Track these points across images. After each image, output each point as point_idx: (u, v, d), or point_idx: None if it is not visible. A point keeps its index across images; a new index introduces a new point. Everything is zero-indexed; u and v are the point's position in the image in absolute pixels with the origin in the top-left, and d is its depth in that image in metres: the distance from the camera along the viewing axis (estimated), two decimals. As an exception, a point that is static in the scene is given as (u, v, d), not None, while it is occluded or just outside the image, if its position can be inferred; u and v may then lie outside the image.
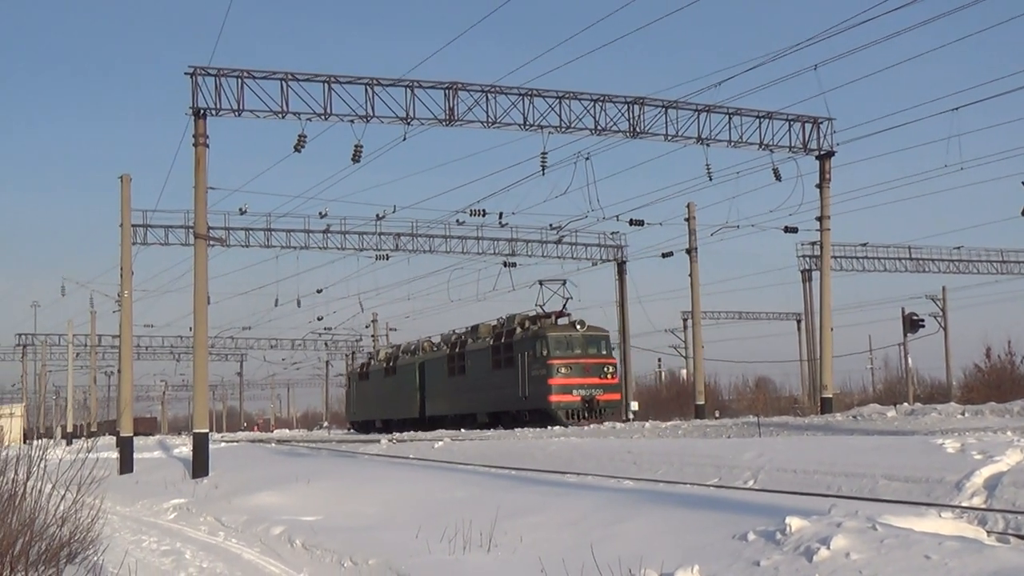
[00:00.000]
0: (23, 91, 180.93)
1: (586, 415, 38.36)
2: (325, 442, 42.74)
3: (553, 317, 42.28)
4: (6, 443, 19.26)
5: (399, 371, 53.84)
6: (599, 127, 32.83)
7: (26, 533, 7.63)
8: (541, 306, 43.49)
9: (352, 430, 61.08)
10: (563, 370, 38.78)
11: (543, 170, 33.03)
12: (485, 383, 43.46)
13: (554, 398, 38.45)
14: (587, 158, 34.26)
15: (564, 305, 42.97)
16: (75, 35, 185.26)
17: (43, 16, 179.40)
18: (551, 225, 48.26)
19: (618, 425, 33.12)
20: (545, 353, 39.18)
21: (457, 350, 47.19)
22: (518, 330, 42.42)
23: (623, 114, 33.16)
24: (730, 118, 34.16)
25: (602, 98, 32.95)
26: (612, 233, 51.67)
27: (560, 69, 72.68)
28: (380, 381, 56.56)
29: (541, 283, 44.30)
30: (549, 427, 34.42)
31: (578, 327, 40.48)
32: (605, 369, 39.97)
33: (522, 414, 39.99)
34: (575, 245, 51.47)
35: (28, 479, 8.06)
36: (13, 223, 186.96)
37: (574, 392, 38.56)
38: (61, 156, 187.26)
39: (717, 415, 45.87)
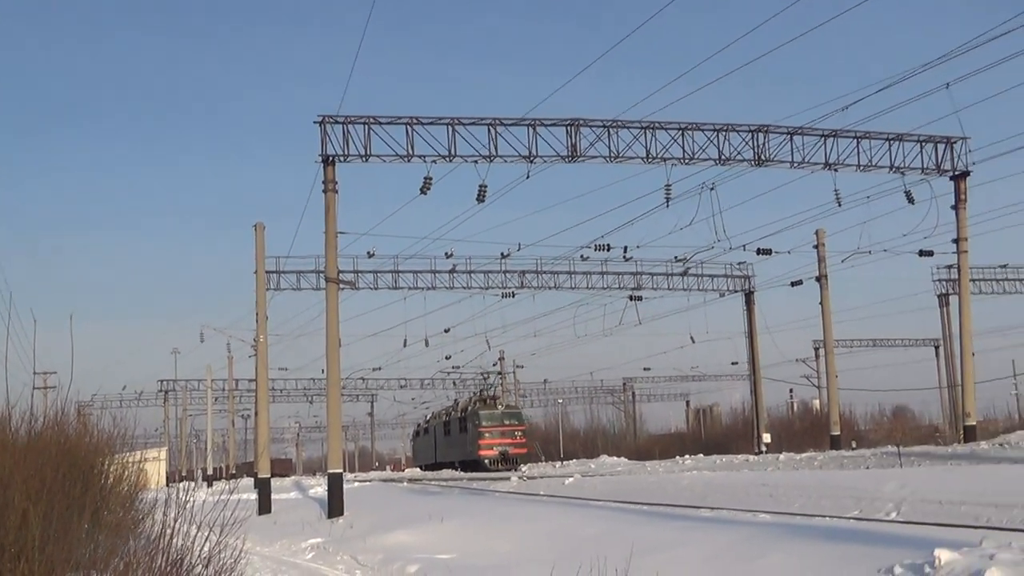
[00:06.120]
0: (156, 141, 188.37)
1: (503, 463, 55.35)
2: (456, 480, 43.03)
3: (489, 400, 61.92)
4: (151, 486, 19.91)
5: (430, 431, 74.32)
6: (723, 157, 32.57)
7: (173, 574, 7.85)
8: (486, 390, 65.15)
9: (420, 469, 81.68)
10: (487, 435, 57.00)
11: (667, 202, 32.98)
12: (457, 440, 62.79)
13: (482, 452, 56.65)
14: (712, 188, 34.08)
15: (494, 390, 66.01)
16: (209, 88, 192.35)
17: (177, 70, 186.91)
18: (676, 257, 48.27)
19: (751, 458, 33.32)
20: (478, 423, 57.72)
21: (446, 418, 67.61)
22: (470, 407, 61.46)
23: (747, 143, 32.84)
24: (858, 142, 33.54)
25: (725, 127, 32.69)
26: (739, 263, 51.40)
27: (682, 101, 72.15)
28: (424, 437, 77.62)
29: (485, 375, 68.94)
30: (484, 472, 50.92)
31: (500, 407, 60.78)
32: (516, 433, 58.29)
33: (470, 462, 57.96)
34: (701, 276, 51.31)
35: (175, 521, 8.30)
36: (154, 274, 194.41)
37: (495, 449, 56.63)
38: (197, 207, 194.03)
39: (854, 445, 44.72)
